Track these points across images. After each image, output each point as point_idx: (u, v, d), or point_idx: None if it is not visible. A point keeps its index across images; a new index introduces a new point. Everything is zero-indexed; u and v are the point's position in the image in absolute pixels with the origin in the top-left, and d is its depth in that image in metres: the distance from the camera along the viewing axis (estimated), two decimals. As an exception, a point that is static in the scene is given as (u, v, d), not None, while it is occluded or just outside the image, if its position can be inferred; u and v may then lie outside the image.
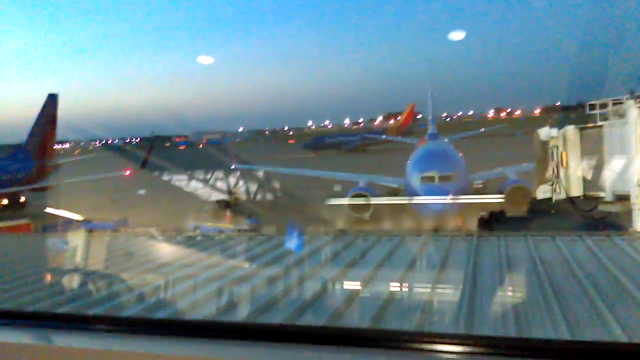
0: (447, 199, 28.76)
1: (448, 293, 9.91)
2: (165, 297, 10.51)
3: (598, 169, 21.75)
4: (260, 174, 54.48)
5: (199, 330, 4.00)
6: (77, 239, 16.39)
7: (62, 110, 69.93)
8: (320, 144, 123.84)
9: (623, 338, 7.44)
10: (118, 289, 11.10)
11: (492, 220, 25.97)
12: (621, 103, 21.48)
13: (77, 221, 37.23)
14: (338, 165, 61.57)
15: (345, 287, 10.85)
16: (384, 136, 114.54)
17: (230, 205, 46.13)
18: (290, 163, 68.28)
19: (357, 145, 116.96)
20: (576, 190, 22.38)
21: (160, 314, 9.25)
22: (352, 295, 10.06)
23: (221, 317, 9.01)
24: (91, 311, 9.44)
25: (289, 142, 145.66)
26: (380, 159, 79.85)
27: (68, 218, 38.44)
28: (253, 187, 51.72)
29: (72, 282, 11.79)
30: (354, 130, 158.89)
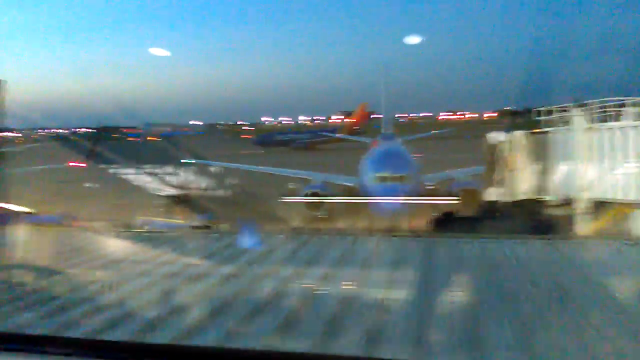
0: (401, 199, 29.21)
1: (402, 294, 10.10)
2: (112, 297, 10.25)
3: (544, 173, 22.64)
4: (215, 169, 53.66)
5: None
6: (21, 233, 15.75)
7: (9, 97, 66.77)
8: (271, 140, 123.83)
9: (565, 340, 7.82)
10: (63, 289, 10.74)
11: (444, 221, 26.59)
12: (566, 110, 22.41)
13: (23, 214, 35.66)
14: (286, 162, 61.50)
15: (299, 287, 10.88)
16: (336, 135, 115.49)
17: (182, 200, 45.22)
18: (240, 159, 67.68)
19: (307, 143, 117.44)
20: (523, 193, 23.22)
21: (108, 314, 9.02)
22: (307, 296, 10.11)
23: (171, 319, 8.86)
24: (31, 313, 9.10)
25: (242, 137, 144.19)
26: (329, 157, 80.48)
27: (12, 210, 36.76)
28: (206, 183, 50.92)
29: (17, 279, 11.35)
30: (309, 127, 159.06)
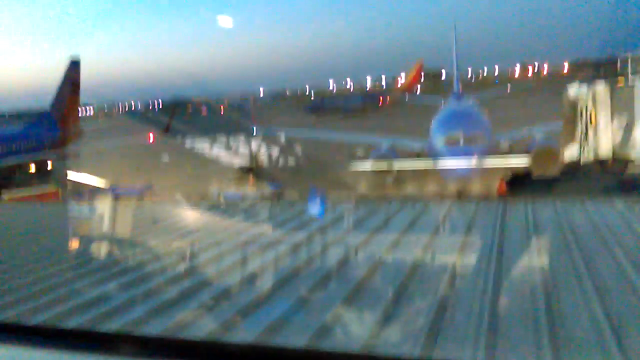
0: (473, 161, 28.28)
1: (474, 261, 9.78)
2: (191, 265, 10.62)
3: (629, 129, 21.04)
4: (282, 138, 54.32)
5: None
6: (104, 207, 16.60)
7: (84, 74, 70.17)
8: (321, 107, 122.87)
9: None
10: (145, 259, 11.25)
11: (519, 183, 25.51)
12: None
13: (103, 188, 37.82)
14: (337, 128, 61.35)
15: (369, 255, 10.80)
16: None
17: (252, 170, 46.23)
18: (294, 125, 68.13)
19: (353, 108, 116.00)
20: (605, 152, 21.77)
21: (186, 283, 9.35)
22: (375, 263, 10.01)
23: (245, 287, 9.06)
24: (118, 280, 9.60)
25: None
26: (378, 122, 79.62)
27: (94, 185, 39.08)
28: (275, 152, 51.71)
29: (99, 251, 12.00)
30: (362, 91, 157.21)
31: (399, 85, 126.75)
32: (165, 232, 13.91)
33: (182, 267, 10.45)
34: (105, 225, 14.48)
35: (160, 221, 15.27)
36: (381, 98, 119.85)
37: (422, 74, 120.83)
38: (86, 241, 13.00)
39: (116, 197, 21.65)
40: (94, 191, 32.51)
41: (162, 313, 8.08)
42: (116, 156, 60.31)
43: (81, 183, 41.61)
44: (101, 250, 12.13)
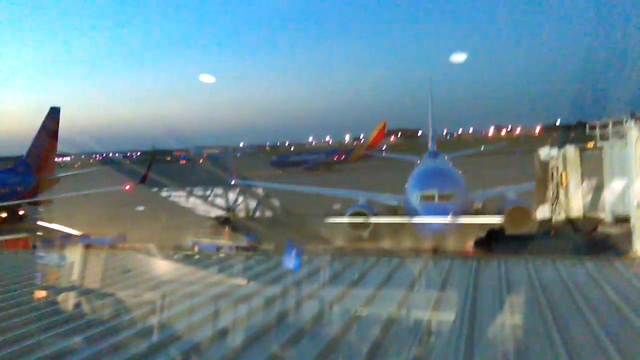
0: (447, 219, 28.64)
1: (448, 317, 9.79)
2: (162, 318, 10.39)
3: (598, 190, 21.66)
4: (260, 190, 54.47)
5: None
6: (74, 255, 16.25)
7: (63, 123, 70.01)
8: (285, 161, 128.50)
9: None
10: (114, 310, 10.97)
11: (492, 240, 25.84)
12: (622, 124, 21.46)
13: (76, 236, 37.02)
14: (302, 183, 62.88)
15: (344, 309, 10.73)
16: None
17: (229, 221, 46.01)
18: (261, 179, 69.41)
19: (316, 164, 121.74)
20: (576, 211, 22.27)
21: (155, 337, 9.13)
22: (351, 318, 9.95)
23: (215, 343, 8.88)
24: (86, 333, 9.33)
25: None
26: (336, 178, 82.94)
27: (66, 232, 38.27)
28: (251, 204, 51.66)
29: (68, 301, 11.68)
30: (327, 148, 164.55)
31: (361, 143, 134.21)
32: (137, 282, 13.65)
33: (152, 320, 10.21)
34: (75, 275, 14.16)
35: (131, 271, 14.99)
36: (343, 155, 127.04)
37: (385, 134, 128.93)
38: (54, 291, 12.67)
39: (88, 246, 21.23)
40: (66, 239, 31.80)
41: None
42: (91, 205, 59.43)
43: (53, 231, 40.72)
44: (69, 301, 11.81)
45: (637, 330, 8.75)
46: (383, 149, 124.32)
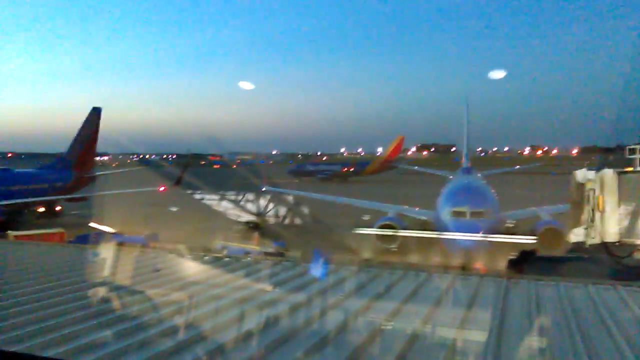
0: (478, 236, 28.23)
1: (474, 336, 9.66)
2: (188, 318, 10.56)
3: (635, 215, 21.05)
4: (289, 197, 54.89)
5: None
6: (107, 252, 16.68)
7: (103, 123, 72.00)
8: (301, 171, 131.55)
9: None
10: (143, 308, 11.21)
11: (523, 261, 25.35)
12: None
13: (109, 233, 37.93)
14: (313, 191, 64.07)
15: (368, 321, 10.71)
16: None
17: (258, 226, 46.41)
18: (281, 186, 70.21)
19: (330, 174, 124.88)
20: (611, 236, 21.67)
21: (182, 336, 9.30)
22: (375, 330, 9.91)
23: (241, 345, 8.99)
24: (115, 328, 9.56)
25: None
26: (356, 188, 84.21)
27: (101, 230, 39.24)
28: (281, 210, 52.05)
29: (99, 296, 11.99)
30: (346, 160, 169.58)
31: (377, 157, 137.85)
32: (166, 281, 13.90)
33: (178, 320, 10.39)
34: (107, 271, 14.52)
35: (161, 270, 15.27)
36: (352, 167, 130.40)
37: (401, 149, 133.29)
38: (86, 285, 13.02)
39: (120, 244, 21.72)
40: (100, 236, 32.60)
41: None
42: (126, 204, 60.74)
43: (88, 227, 41.80)
44: (100, 295, 12.12)
45: None
46: (407, 163, 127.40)
